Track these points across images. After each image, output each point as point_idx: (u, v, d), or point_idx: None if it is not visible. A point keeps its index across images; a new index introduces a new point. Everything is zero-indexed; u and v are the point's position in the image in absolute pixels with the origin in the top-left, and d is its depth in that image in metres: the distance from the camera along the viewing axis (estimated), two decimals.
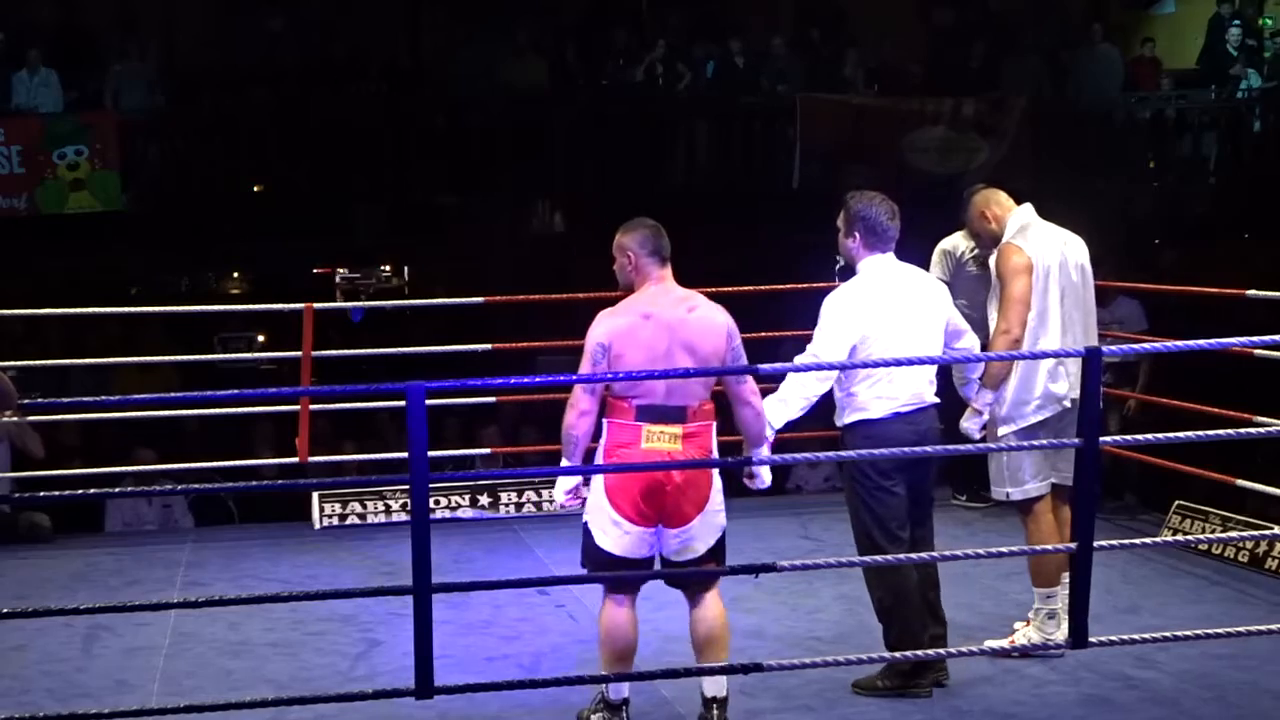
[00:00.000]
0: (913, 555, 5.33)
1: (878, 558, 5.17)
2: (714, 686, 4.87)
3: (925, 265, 8.24)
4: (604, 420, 4.82)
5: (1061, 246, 5.70)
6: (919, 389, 5.27)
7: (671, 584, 4.99)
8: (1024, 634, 5.72)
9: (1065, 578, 5.52)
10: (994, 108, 13.51)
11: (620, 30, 13.95)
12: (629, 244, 4.92)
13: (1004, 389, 5.61)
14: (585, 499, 4.88)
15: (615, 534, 4.79)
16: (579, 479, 4.89)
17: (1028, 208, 5.79)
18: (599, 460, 4.83)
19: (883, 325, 5.21)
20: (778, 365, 5.11)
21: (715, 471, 4.85)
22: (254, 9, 13.78)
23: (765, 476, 5.08)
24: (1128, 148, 14.29)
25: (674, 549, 4.83)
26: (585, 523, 4.90)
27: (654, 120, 13.53)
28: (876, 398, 5.22)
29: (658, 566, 4.93)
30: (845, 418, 5.27)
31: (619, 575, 4.87)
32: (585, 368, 4.79)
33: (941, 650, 5.30)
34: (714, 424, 4.84)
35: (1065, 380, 5.62)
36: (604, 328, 4.81)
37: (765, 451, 4.96)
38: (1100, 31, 14.46)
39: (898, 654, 5.25)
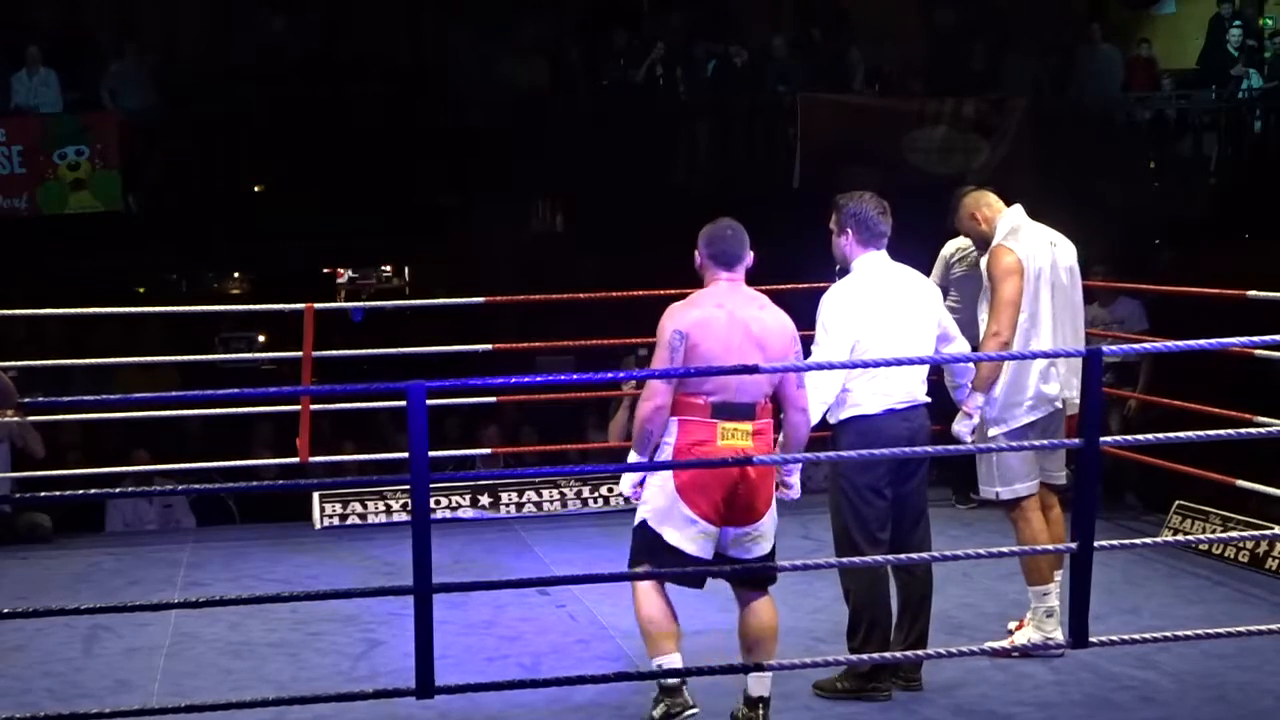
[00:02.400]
0: (914, 555, 5.33)
1: (866, 559, 5.16)
2: (759, 686, 4.89)
3: (926, 266, 8.27)
4: (673, 419, 4.76)
5: (1051, 248, 5.72)
6: (912, 386, 5.27)
7: (733, 581, 4.94)
8: (1023, 634, 5.72)
9: (1059, 574, 5.54)
10: (994, 108, 13.50)
11: (621, 30, 13.95)
12: (700, 242, 4.94)
13: (994, 390, 5.61)
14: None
15: (691, 532, 4.77)
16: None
17: (1018, 209, 5.79)
18: (669, 459, 4.78)
19: (878, 322, 5.21)
20: (797, 365, 5.02)
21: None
22: (254, 9, 13.77)
23: (797, 488, 5.10)
24: (1128, 148, 14.29)
25: (743, 548, 4.83)
26: (642, 522, 4.86)
27: (654, 120, 13.52)
28: (872, 394, 5.22)
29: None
30: (840, 413, 5.26)
31: (677, 572, 4.81)
32: (662, 356, 4.77)
33: (943, 650, 5.30)
34: (772, 421, 4.86)
35: (1056, 381, 5.64)
36: (680, 317, 4.80)
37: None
38: (1100, 31, 14.45)
39: (899, 654, 5.26)
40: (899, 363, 5.16)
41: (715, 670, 4.85)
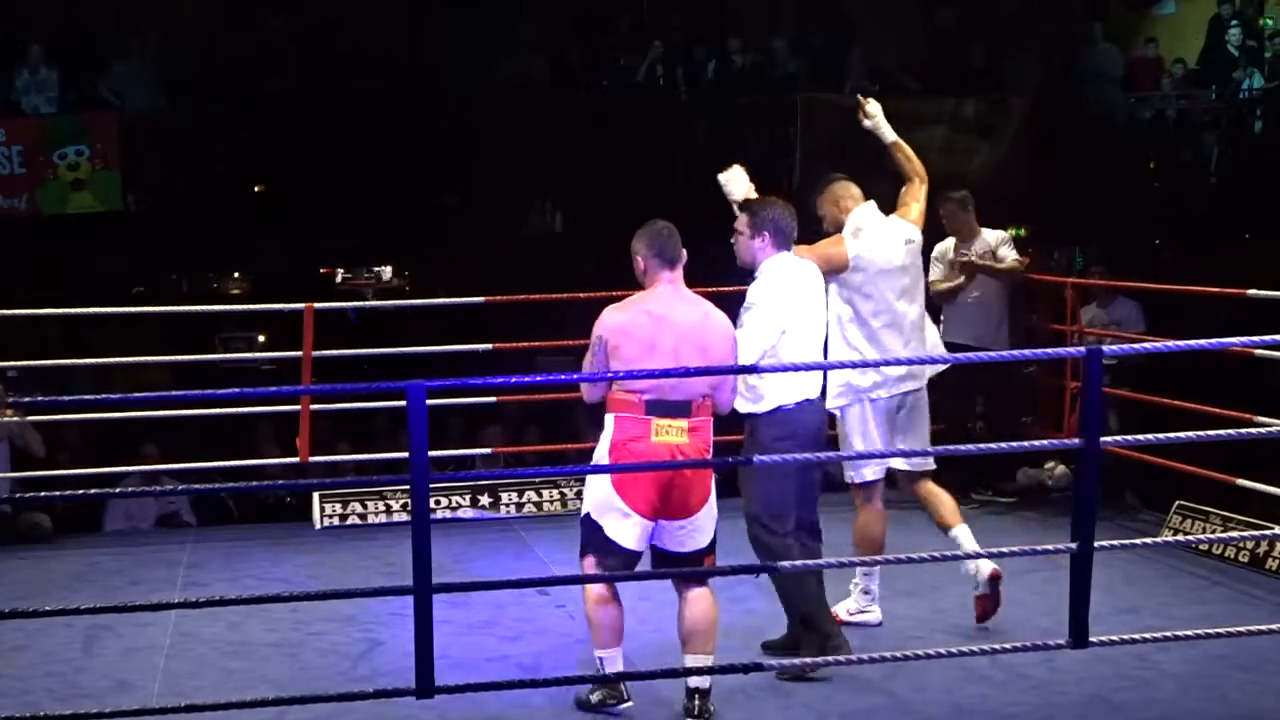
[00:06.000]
0: (913, 556, 5.36)
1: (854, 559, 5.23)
2: (696, 678, 5.00)
3: (925, 264, 8.28)
4: (610, 415, 4.92)
5: (906, 245, 6.05)
6: (816, 381, 5.52)
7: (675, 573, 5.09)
8: (843, 605, 5.99)
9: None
10: (994, 108, 13.48)
11: (621, 30, 13.94)
12: (639, 246, 5.08)
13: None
14: None
15: (626, 525, 4.91)
16: None
17: (870, 207, 6.08)
18: (605, 453, 4.93)
19: (798, 318, 5.43)
20: (774, 365, 5.25)
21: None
22: (255, 8, 13.76)
23: None
24: (1128, 148, 14.28)
25: (677, 540, 4.96)
26: (586, 515, 5.01)
27: (654, 120, 13.52)
28: (788, 388, 5.40)
29: (649, 559, 5.06)
30: (759, 406, 5.41)
31: (629, 575, 5.02)
32: (588, 358, 4.99)
33: (943, 650, 5.31)
34: (712, 419, 5.01)
35: (874, 373, 5.90)
36: (604, 322, 4.98)
37: None
38: (1100, 31, 14.44)
39: (898, 654, 5.27)
40: (888, 363, 5.34)
41: (679, 673, 5.00)
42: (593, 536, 4.98)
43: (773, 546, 5.37)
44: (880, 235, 5.99)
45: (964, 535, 6.02)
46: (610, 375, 4.88)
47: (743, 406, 5.39)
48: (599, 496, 4.96)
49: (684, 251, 5.09)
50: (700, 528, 4.96)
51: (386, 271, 16.50)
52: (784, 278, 5.46)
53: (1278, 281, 7.07)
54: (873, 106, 6.27)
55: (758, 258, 5.50)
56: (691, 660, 5.00)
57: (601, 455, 4.95)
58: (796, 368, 5.24)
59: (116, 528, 9.03)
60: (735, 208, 5.80)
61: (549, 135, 13.00)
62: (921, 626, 6.07)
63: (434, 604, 4.47)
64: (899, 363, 5.51)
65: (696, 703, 4.98)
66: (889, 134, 6.29)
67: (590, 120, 13.30)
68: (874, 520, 5.98)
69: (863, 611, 6.03)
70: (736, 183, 5.88)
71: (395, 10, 14.76)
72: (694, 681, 5.00)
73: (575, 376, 5.18)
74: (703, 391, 4.94)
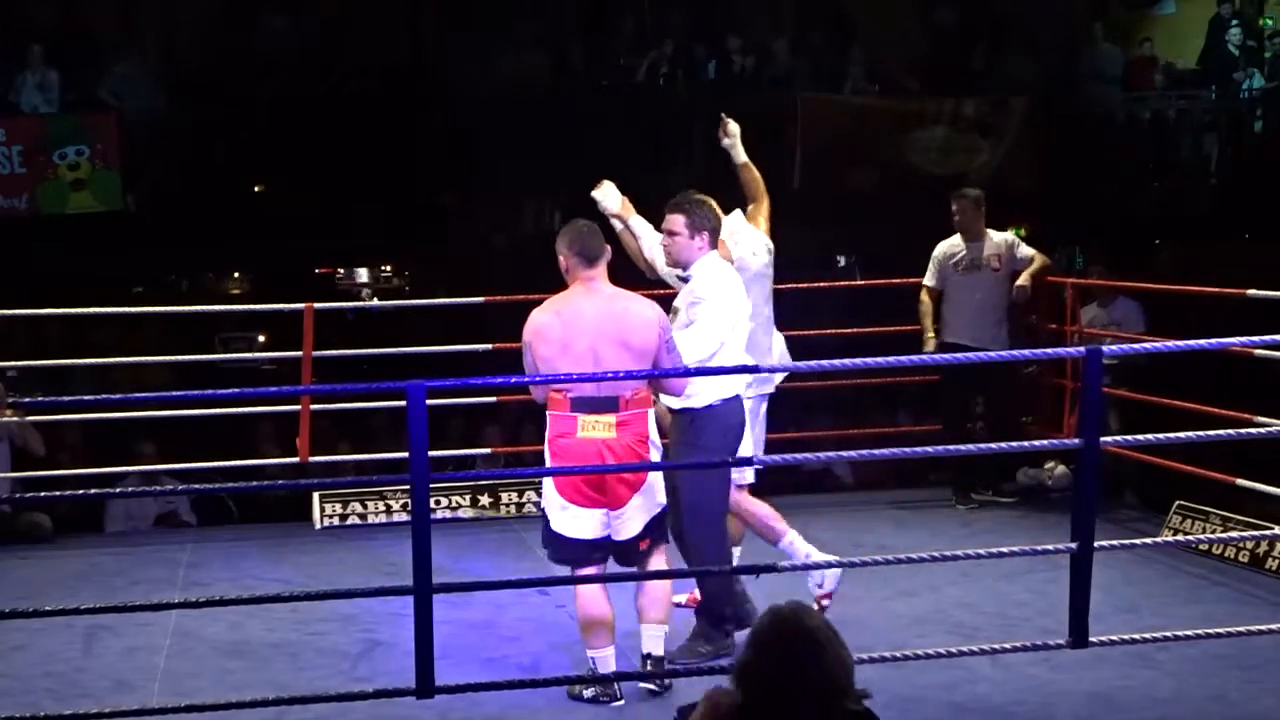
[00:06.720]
0: (912, 556, 5.36)
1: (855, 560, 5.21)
2: (649, 645, 5.20)
3: (925, 266, 8.31)
4: (548, 413, 5.10)
5: (768, 253, 6.09)
6: (744, 377, 5.65)
7: (618, 560, 5.28)
8: (811, 587, 5.90)
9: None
10: (994, 108, 13.49)
11: (621, 30, 13.94)
12: (560, 246, 5.23)
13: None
14: None
15: (565, 517, 5.13)
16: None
17: (736, 215, 6.12)
18: (546, 449, 5.12)
19: (740, 314, 5.58)
20: (739, 366, 5.42)
21: (656, 456, 5.15)
22: (255, 9, 13.76)
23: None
24: (1128, 148, 14.28)
25: (614, 529, 5.15)
26: (543, 510, 5.23)
27: (654, 120, 13.51)
28: (723, 383, 5.50)
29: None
30: (693, 403, 5.49)
31: (625, 576, 5.21)
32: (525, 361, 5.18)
33: (943, 650, 5.31)
34: (650, 410, 5.13)
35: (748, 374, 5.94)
36: (527, 324, 5.17)
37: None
38: (1100, 31, 14.44)
39: (898, 654, 5.27)
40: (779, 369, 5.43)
41: (678, 673, 5.14)
42: (543, 529, 5.22)
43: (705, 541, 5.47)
44: (750, 241, 6.08)
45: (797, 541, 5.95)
46: (567, 378, 5.01)
47: (677, 403, 5.47)
48: (545, 491, 5.23)
49: (607, 248, 5.21)
50: (630, 518, 5.12)
51: (363, 274, 16.52)
52: (723, 275, 5.57)
53: (1278, 281, 7.07)
54: (733, 127, 6.33)
55: (694, 257, 5.57)
56: (645, 629, 5.18)
57: (545, 451, 5.15)
58: (711, 371, 5.32)
59: (116, 528, 9.02)
60: (615, 221, 5.89)
61: (549, 135, 13.00)
62: (921, 626, 6.07)
63: (434, 604, 4.48)
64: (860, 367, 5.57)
65: (649, 667, 5.17)
66: (741, 155, 6.31)
67: (590, 120, 13.30)
68: (759, 511, 5.94)
69: (825, 570, 5.77)
70: (611, 198, 5.92)
71: (395, 10, 14.76)
72: (645, 647, 5.18)
73: (529, 379, 5.20)
74: (634, 386, 5.05)
